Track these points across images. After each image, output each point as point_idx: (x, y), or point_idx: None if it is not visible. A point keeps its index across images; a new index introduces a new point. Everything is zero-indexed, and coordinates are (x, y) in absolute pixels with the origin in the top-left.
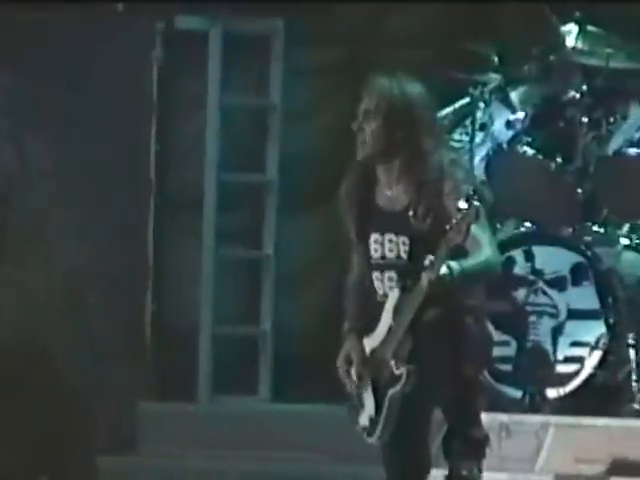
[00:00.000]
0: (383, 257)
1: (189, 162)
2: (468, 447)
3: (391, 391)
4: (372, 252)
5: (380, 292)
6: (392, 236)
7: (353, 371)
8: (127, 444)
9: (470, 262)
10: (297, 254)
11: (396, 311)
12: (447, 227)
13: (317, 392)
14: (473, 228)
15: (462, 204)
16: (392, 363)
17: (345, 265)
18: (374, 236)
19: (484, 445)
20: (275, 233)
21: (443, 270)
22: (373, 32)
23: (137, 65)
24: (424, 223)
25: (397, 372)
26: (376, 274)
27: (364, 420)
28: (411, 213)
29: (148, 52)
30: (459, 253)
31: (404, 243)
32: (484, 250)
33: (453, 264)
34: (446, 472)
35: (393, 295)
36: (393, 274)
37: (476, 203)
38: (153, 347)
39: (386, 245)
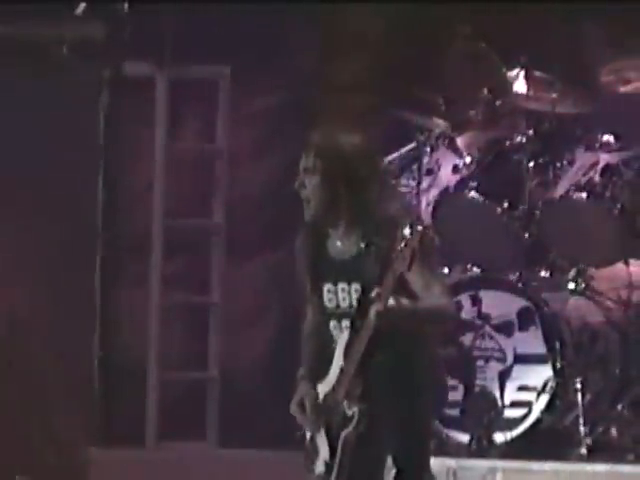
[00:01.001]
0: (337, 306)
1: (136, 208)
2: None
3: (344, 432)
4: (326, 302)
5: (336, 340)
6: (344, 285)
7: (306, 417)
8: None
9: (422, 303)
10: (243, 299)
11: (347, 352)
12: (393, 256)
13: (264, 437)
14: (425, 274)
15: (406, 231)
16: (344, 404)
17: (291, 310)
18: (327, 286)
19: None
20: (222, 279)
21: (391, 303)
22: (316, 77)
23: (84, 111)
24: (375, 268)
25: (349, 412)
26: (333, 323)
27: (320, 466)
28: (363, 266)
29: (95, 98)
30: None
31: (356, 290)
32: (435, 294)
33: (403, 300)
34: None
35: (343, 337)
36: (347, 322)
37: (419, 228)
38: (100, 393)
39: (339, 294)
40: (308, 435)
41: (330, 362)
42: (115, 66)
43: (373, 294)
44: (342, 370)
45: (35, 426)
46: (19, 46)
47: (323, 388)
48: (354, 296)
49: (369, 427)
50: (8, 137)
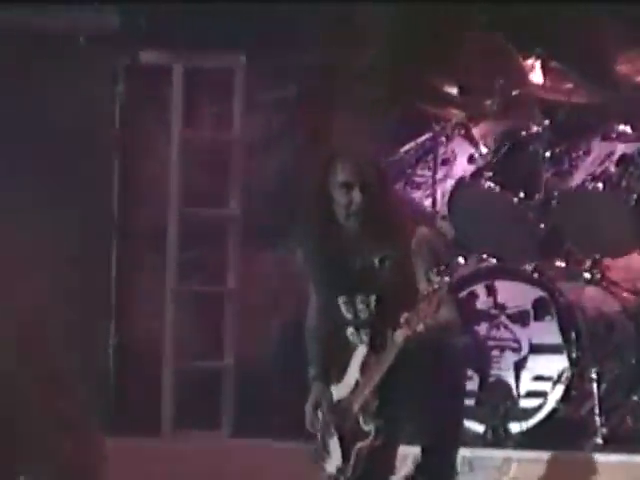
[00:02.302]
0: (355, 317)
1: (152, 196)
2: None
3: (359, 445)
4: (344, 312)
5: (354, 346)
6: (363, 297)
7: (320, 417)
8: (89, 479)
9: (438, 322)
10: (259, 288)
11: (363, 367)
12: (419, 296)
13: (279, 427)
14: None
15: (434, 278)
16: (360, 418)
17: (307, 299)
18: (342, 298)
19: None
20: (237, 267)
21: (420, 328)
22: (333, 66)
23: (100, 100)
24: (392, 278)
25: (366, 428)
26: (350, 330)
27: (331, 468)
28: (382, 275)
29: (111, 88)
30: None
31: (375, 301)
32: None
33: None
34: None
35: (360, 351)
36: (369, 331)
37: (446, 280)
38: (115, 382)
39: (356, 306)
40: (319, 434)
41: (344, 364)
42: (131, 55)
43: (402, 320)
44: (357, 383)
45: (50, 414)
46: (35, 36)
47: (338, 392)
48: (372, 307)
49: (384, 442)
50: (25, 127)
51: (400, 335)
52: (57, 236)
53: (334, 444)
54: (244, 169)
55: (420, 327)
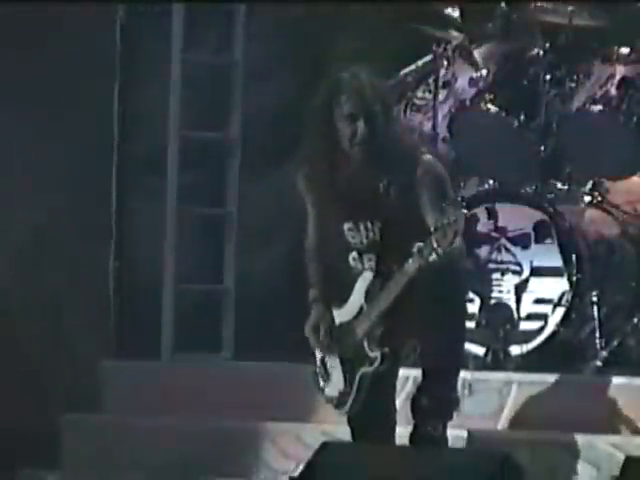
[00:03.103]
0: (361, 243)
1: (152, 120)
2: (437, 406)
3: (363, 370)
4: (349, 239)
5: (356, 271)
6: (368, 223)
7: (321, 340)
8: (89, 401)
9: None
10: (259, 212)
11: (368, 294)
12: (433, 227)
13: (280, 350)
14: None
15: (449, 209)
16: (365, 344)
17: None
18: (347, 225)
19: (453, 407)
20: (238, 190)
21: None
22: None
23: (100, 24)
24: (397, 206)
25: (372, 354)
26: (354, 254)
27: (332, 391)
28: (384, 195)
29: (111, 12)
30: None
31: (380, 227)
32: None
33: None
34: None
35: (365, 277)
36: (372, 255)
37: (464, 212)
38: (115, 304)
39: (362, 232)
40: (318, 356)
41: (346, 288)
42: None
43: (414, 249)
44: (361, 309)
45: (49, 339)
46: None
47: (340, 316)
48: (378, 234)
49: (388, 368)
50: (26, 51)
51: (412, 265)
52: (57, 159)
53: (335, 368)
54: (245, 93)
55: (432, 257)
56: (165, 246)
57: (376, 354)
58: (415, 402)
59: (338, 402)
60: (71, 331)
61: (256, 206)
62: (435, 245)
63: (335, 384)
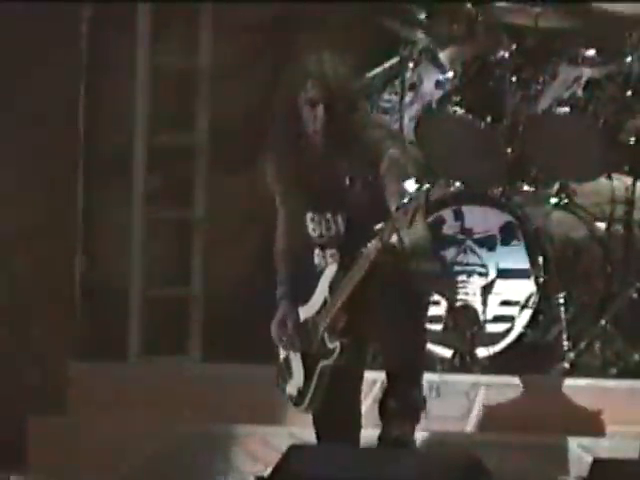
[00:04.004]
0: (321, 235)
1: (119, 122)
2: (404, 408)
3: (323, 363)
4: (310, 231)
5: (320, 268)
6: (329, 214)
7: (286, 336)
8: (57, 404)
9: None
10: (227, 215)
11: (332, 286)
12: (394, 207)
13: (247, 352)
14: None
15: (410, 187)
16: (326, 336)
17: (272, 227)
18: (310, 215)
19: (420, 409)
20: (205, 194)
21: (393, 240)
22: None
23: (66, 22)
24: (361, 198)
25: (331, 345)
26: (317, 251)
27: (292, 389)
28: (348, 186)
29: (77, 7)
30: None
31: (343, 220)
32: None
33: (402, 234)
34: (379, 432)
35: (330, 269)
36: (334, 251)
37: (425, 186)
38: (83, 307)
39: (323, 224)
40: (282, 354)
41: (310, 285)
42: None
43: (376, 232)
44: (325, 302)
45: (16, 341)
46: None
47: (304, 312)
48: (341, 226)
49: (350, 359)
50: None
51: (372, 247)
52: (22, 162)
53: (297, 364)
54: (211, 94)
55: (393, 238)
56: (132, 248)
57: (335, 344)
58: (382, 405)
59: (297, 399)
60: (38, 333)
61: (224, 208)
62: (395, 224)
63: (295, 381)
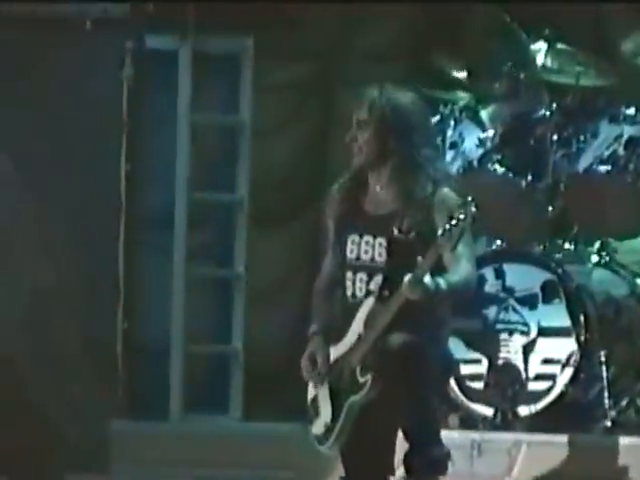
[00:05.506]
0: (358, 258)
1: (159, 180)
2: (429, 464)
3: (352, 398)
4: (348, 252)
5: (349, 292)
6: (369, 238)
7: (316, 372)
8: (99, 462)
9: (452, 277)
10: (267, 272)
11: (368, 320)
12: (439, 233)
13: (288, 411)
14: (459, 252)
15: (456, 213)
16: (357, 371)
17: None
18: (352, 237)
19: (445, 461)
20: (246, 251)
21: (428, 280)
22: (342, 48)
23: (107, 83)
24: (407, 235)
25: (362, 379)
26: (348, 274)
27: (318, 428)
28: (396, 225)
29: (118, 70)
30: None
31: (381, 245)
32: (464, 266)
33: (439, 278)
34: None
35: (367, 304)
36: (364, 276)
37: (472, 209)
38: (125, 365)
39: (362, 246)
40: (311, 394)
41: (343, 321)
42: (138, 39)
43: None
44: (360, 337)
45: (56, 398)
46: (42, 22)
47: (336, 351)
48: (377, 251)
49: (378, 398)
50: (32, 112)
51: (407, 281)
52: (65, 220)
53: (325, 401)
54: (252, 153)
55: (427, 264)
56: (173, 307)
57: (366, 378)
58: (406, 461)
59: (322, 438)
60: (80, 392)
61: (264, 266)
62: (439, 250)
63: (323, 419)
